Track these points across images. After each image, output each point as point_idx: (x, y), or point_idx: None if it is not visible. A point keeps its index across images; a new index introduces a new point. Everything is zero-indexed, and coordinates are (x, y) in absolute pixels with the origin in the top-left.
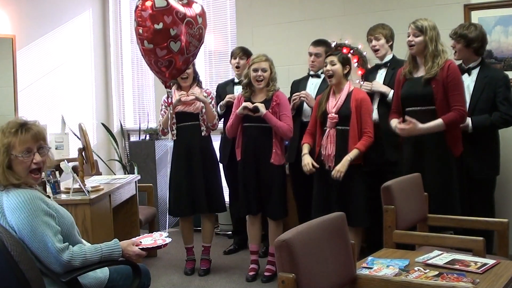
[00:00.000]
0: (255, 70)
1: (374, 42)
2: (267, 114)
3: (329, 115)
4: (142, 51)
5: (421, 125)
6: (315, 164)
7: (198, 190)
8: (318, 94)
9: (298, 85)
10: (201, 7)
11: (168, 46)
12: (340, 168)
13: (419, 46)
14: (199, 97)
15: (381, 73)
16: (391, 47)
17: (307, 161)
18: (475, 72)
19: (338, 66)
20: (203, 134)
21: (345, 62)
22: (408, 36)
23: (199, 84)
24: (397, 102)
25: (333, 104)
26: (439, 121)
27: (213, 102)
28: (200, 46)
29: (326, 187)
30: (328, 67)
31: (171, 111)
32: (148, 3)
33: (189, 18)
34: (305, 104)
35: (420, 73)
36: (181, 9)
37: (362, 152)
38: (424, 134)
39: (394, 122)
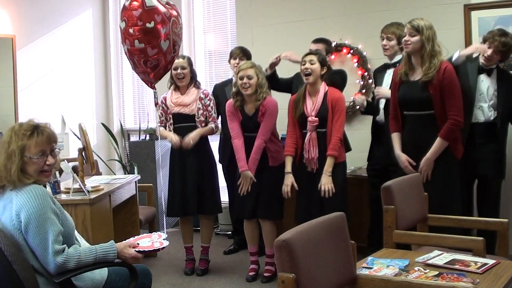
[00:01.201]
0: (241, 78)
1: (385, 42)
2: (250, 164)
3: (309, 119)
4: (129, 52)
5: (426, 157)
6: (295, 185)
7: (190, 191)
8: None
9: (299, 79)
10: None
11: (159, 45)
12: (325, 183)
13: (415, 46)
14: (195, 138)
15: (389, 73)
16: (401, 49)
17: (288, 183)
18: (495, 73)
19: (317, 66)
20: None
21: (324, 63)
22: (405, 36)
23: (196, 84)
24: (394, 105)
25: (312, 107)
26: (439, 140)
27: (211, 104)
28: (180, 45)
29: (309, 188)
30: (307, 65)
31: (163, 133)
32: (136, 3)
33: (174, 17)
34: None
35: (417, 75)
36: (166, 9)
37: (336, 155)
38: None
39: (403, 159)
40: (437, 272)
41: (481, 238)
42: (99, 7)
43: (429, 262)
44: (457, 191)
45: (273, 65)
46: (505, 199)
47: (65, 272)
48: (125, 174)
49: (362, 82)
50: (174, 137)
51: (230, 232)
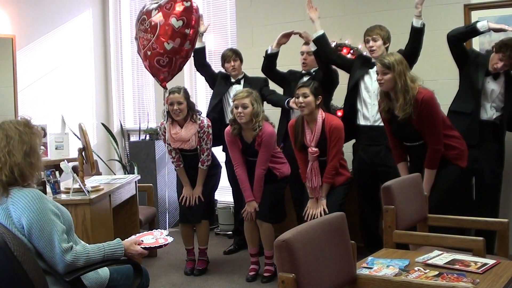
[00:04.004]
0: (236, 107)
1: (371, 43)
2: (255, 193)
3: (309, 149)
4: (174, 50)
5: (424, 187)
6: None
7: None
8: None
9: (294, 76)
10: None
11: (193, 48)
12: (319, 205)
13: (389, 83)
14: (201, 191)
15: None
16: (387, 49)
17: (310, 214)
18: (502, 78)
19: (311, 98)
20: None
21: (317, 92)
22: (377, 74)
23: (193, 118)
24: (390, 136)
25: (311, 137)
26: (426, 171)
27: (204, 136)
28: None
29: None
30: (301, 99)
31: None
32: (193, 4)
33: None
34: None
35: (398, 111)
36: None
37: (331, 182)
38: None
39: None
40: (437, 272)
41: (481, 238)
42: (99, 7)
43: (429, 262)
44: (458, 198)
45: (282, 40)
46: (505, 199)
47: (74, 271)
48: (125, 174)
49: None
50: (187, 193)
51: (230, 232)
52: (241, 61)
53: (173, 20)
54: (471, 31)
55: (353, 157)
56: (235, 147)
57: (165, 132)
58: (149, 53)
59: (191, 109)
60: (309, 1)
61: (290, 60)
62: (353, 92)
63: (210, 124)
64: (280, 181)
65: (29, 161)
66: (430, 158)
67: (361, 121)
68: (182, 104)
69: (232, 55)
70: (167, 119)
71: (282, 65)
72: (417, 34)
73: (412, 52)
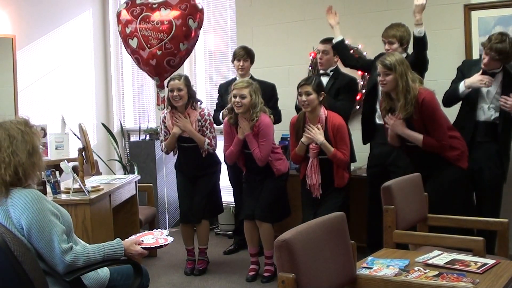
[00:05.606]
0: (235, 96)
1: (387, 46)
2: (248, 136)
3: (311, 146)
4: (186, 50)
5: (404, 129)
6: None
7: (190, 198)
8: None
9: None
10: None
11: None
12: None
13: (391, 84)
14: (187, 127)
15: None
16: (406, 49)
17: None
18: (499, 77)
19: (313, 96)
20: (204, 156)
21: (320, 89)
22: (379, 75)
23: (193, 105)
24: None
25: None
26: (419, 137)
27: (207, 124)
28: None
29: (312, 214)
30: (304, 97)
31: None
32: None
33: None
34: None
35: (399, 110)
36: None
37: (333, 154)
38: (403, 137)
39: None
40: (437, 272)
41: (481, 238)
42: (99, 7)
43: (429, 262)
44: (459, 199)
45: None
46: (505, 199)
47: (75, 271)
48: (125, 174)
49: (362, 82)
50: (176, 130)
51: (230, 232)
52: (252, 62)
53: (190, 22)
54: (458, 97)
55: (368, 154)
56: (230, 138)
57: (165, 121)
58: (159, 52)
59: (192, 97)
60: (329, 7)
61: (293, 60)
62: (372, 93)
63: (210, 112)
64: (277, 178)
65: (33, 161)
66: (433, 143)
67: (378, 120)
68: (182, 91)
69: (243, 55)
70: (168, 105)
71: (284, 65)
72: (418, 43)
73: (417, 60)
